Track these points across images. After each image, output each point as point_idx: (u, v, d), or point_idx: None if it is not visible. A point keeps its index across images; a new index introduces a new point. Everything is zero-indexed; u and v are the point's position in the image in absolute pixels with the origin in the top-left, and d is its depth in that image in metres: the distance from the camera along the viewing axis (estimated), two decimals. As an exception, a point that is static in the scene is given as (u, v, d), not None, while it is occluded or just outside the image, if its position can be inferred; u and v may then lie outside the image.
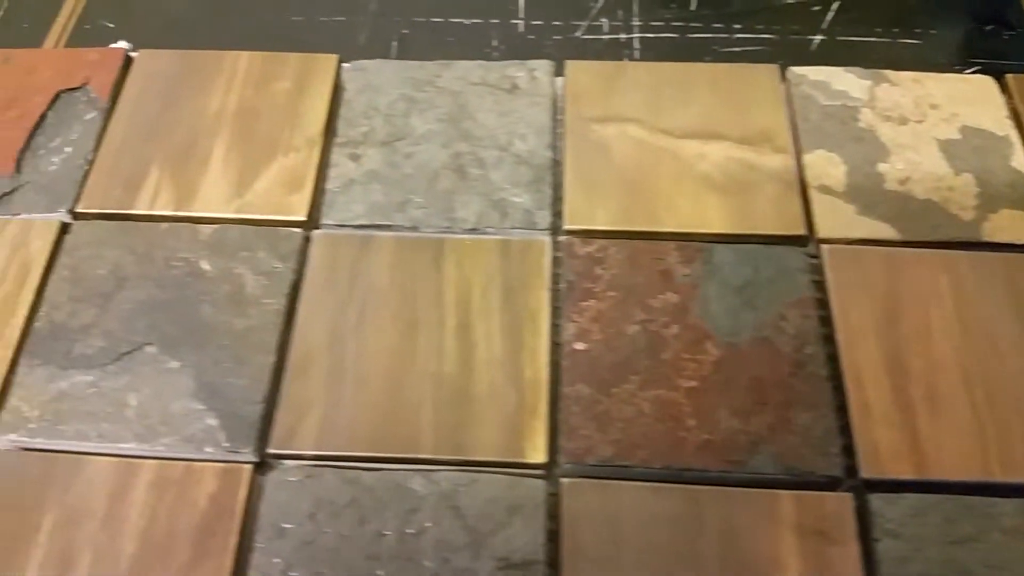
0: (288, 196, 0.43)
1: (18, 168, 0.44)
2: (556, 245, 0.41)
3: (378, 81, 0.47)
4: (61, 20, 0.54)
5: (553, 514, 0.34)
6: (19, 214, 0.43)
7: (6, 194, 0.44)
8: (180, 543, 0.34)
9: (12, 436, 0.37)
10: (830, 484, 0.35)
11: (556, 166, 0.43)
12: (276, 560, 0.33)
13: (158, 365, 0.38)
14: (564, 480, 0.35)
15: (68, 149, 0.45)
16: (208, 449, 0.36)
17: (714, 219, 0.41)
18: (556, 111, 0.45)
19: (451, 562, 0.33)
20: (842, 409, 0.36)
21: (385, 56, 0.50)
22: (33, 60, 0.49)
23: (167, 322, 0.39)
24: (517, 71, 0.47)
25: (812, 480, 0.35)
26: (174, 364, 0.38)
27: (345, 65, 0.48)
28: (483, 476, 0.35)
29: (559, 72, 0.47)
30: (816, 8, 0.53)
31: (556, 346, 0.38)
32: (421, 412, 0.36)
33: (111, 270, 0.41)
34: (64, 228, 0.42)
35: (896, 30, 0.51)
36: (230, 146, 0.44)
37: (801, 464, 0.35)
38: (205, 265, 0.41)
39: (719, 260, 0.40)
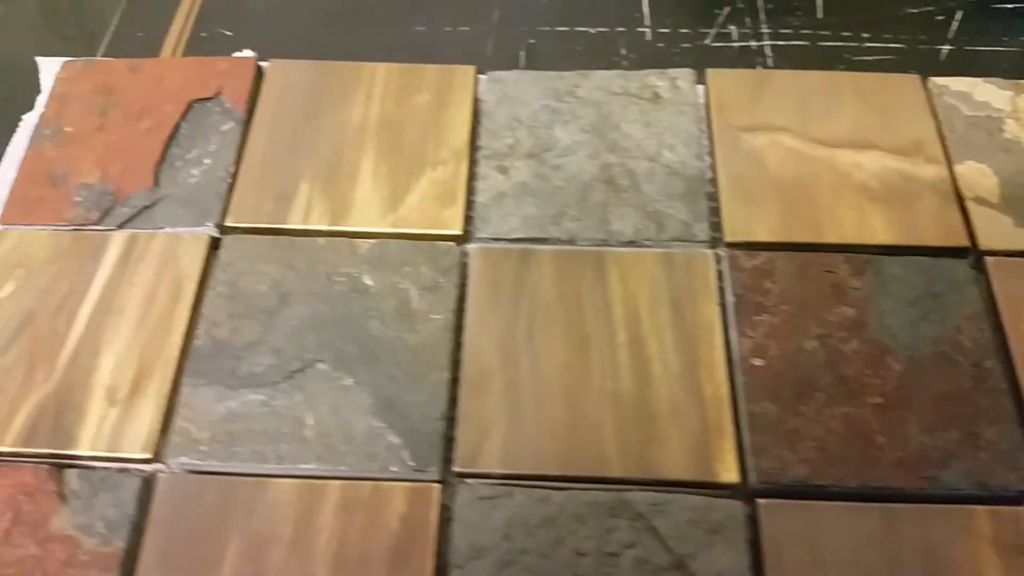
0: (442, 210, 0.42)
1: (156, 181, 0.44)
2: (719, 258, 0.41)
3: (516, 92, 0.46)
4: (176, 28, 0.53)
5: (752, 535, 0.34)
6: (163, 227, 0.42)
7: (146, 207, 0.43)
8: (375, 566, 0.33)
9: (183, 459, 0.36)
10: (1021, 498, 0.35)
11: (709, 177, 0.43)
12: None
13: (332, 382, 0.37)
14: (761, 501, 0.34)
15: (207, 161, 0.44)
16: (393, 468, 0.35)
17: (878, 230, 0.41)
18: (702, 120, 0.45)
19: (657, 584, 0.33)
20: (1025, 423, 0.36)
21: (514, 66, 0.49)
22: (161, 69, 0.48)
23: (336, 338, 0.38)
24: (658, 80, 0.46)
25: (1005, 495, 0.35)
26: (348, 381, 0.37)
27: (480, 76, 0.47)
28: (676, 496, 0.34)
29: (699, 80, 0.46)
30: (940, 18, 0.52)
31: (731, 362, 0.38)
32: (604, 430, 0.36)
33: (271, 286, 0.40)
34: (213, 243, 0.42)
35: (1023, 39, 0.51)
36: (377, 159, 0.44)
37: (992, 479, 0.35)
38: (368, 280, 0.40)
39: (888, 272, 0.40)
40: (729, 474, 0.35)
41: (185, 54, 0.52)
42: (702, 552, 0.33)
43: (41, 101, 0.48)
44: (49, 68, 0.49)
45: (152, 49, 0.52)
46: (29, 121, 0.47)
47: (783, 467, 0.35)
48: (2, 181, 0.45)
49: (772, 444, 0.35)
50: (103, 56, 0.52)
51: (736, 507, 0.34)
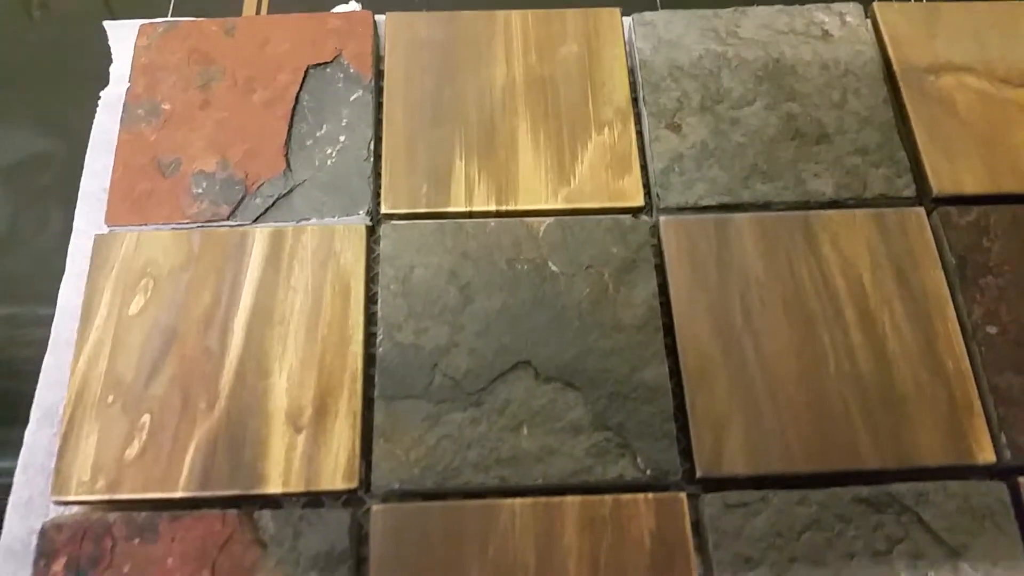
0: (617, 179, 0.38)
1: (288, 165, 0.38)
2: (930, 216, 0.38)
3: (671, 35, 0.41)
4: (251, -22, 0.46)
5: (1019, 515, 0.32)
6: (308, 219, 0.37)
7: (283, 196, 0.37)
8: (633, 584, 0.31)
9: (395, 484, 0.32)
10: None
11: (902, 125, 0.40)
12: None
13: (540, 386, 0.34)
14: (1022, 479, 0.33)
15: (342, 138, 0.38)
16: (628, 477, 0.32)
17: (1088, 175, 0.38)
18: (880, 60, 0.41)
19: (938, 578, 0.31)
20: None
21: (650, 6, 0.44)
22: (262, 30, 0.41)
23: (535, 335, 0.34)
24: (824, 15, 0.42)
25: None
26: (558, 384, 0.34)
27: (624, 19, 0.42)
28: (937, 485, 0.32)
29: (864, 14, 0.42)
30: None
31: (964, 331, 0.35)
32: (851, 418, 0.33)
33: (448, 279, 0.35)
34: (371, 232, 0.37)
35: None
36: (534, 125, 0.39)
37: None
38: (553, 266, 0.36)
39: (1107, 221, 0.37)
40: (986, 454, 0.33)
41: (271, 10, 0.45)
42: (975, 543, 0.31)
43: (119, 73, 0.41)
44: (120, 33, 0.42)
45: (229, 5, 0.45)
46: (111, 98, 0.40)
47: (1037, 441, 0.33)
48: (94, 172, 0.39)
49: (1022, 418, 0.33)
50: (173, 16, 0.45)
51: (999, 488, 0.32)
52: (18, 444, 0.34)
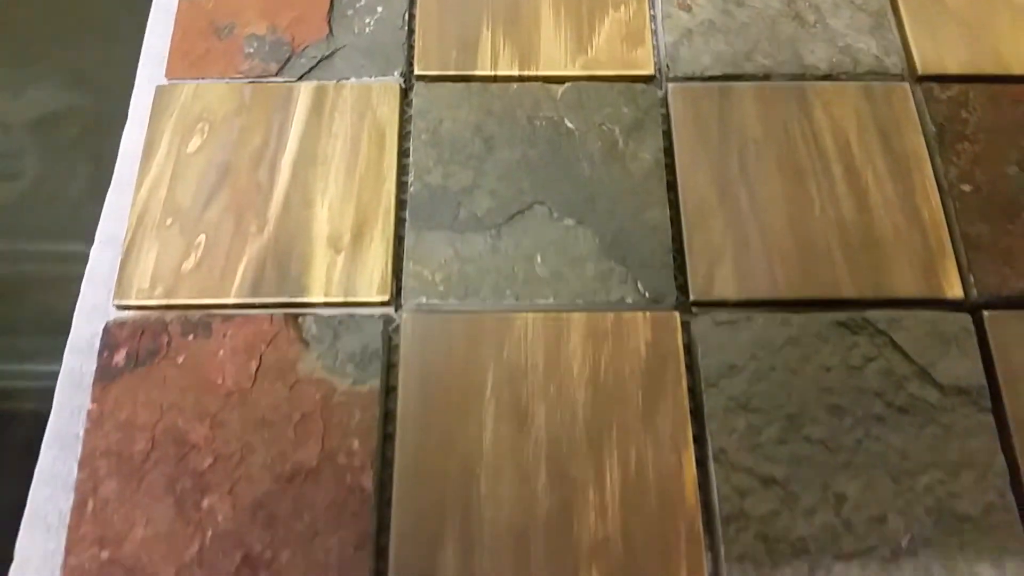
0: (631, 51, 0.41)
1: (331, 30, 0.42)
2: (914, 90, 0.41)
3: (683, -70, 0.45)
4: None
5: (981, 343, 0.36)
6: (348, 78, 0.41)
7: (325, 58, 0.41)
8: (630, 388, 0.34)
9: (422, 299, 0.36)
10: None
11: (892, 10, 0.43)
12: (732, 396, 0.34)
13: (554, 223, 0.37)
14: (986, 313, 0.36)
15: (380, 9, 0.42)
16: (629, 299, 0.36)
17: (1063, 60, 0.42)
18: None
19: (903, 389, 0.34)
20: None
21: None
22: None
23: (550, 180, 0.38)
24: (825, -85, 0.46)
25: None
26: (570, 221, 0.38)
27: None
28: (909, 313, 0.36)
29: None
30: None
31: (940, 188, 0.39)
32: (833, 256, 0.37)
33: (474, 131, 0.39)
34: (405, 92, 0.41)
35: None
36: (555, 1, 0.43)
37: None
38: (569, 123, 0.40)
39: (1079, 99, 0.41)
40: (954, 290, 0.36)
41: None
42: (940, 361, 0.35)
43: (177, -47, 0.45)
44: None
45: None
46: (169, -27, 0.45)
47: (1002, 281, 0.37)
48: (156, 33, 0.43)
49: (989, 261, 0.37)
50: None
51: (965, 319, 0.36)
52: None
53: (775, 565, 0.32)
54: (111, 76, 0.44)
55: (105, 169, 0.40)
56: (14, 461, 0.37)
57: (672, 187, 0.38)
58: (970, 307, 0.36)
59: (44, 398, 0.36)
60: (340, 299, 0.36)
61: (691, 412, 0.34)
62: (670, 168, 0.39)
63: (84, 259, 0.39)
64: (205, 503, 0.33)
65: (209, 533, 0.32)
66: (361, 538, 0.32)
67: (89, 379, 0.35)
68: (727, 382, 0.35)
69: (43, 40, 0.49)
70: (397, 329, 0.36)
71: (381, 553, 0.32)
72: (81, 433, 0.34)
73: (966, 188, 0.38)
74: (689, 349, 0.36)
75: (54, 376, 0.36)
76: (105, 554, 0.32)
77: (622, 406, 0.34)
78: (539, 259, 0.37)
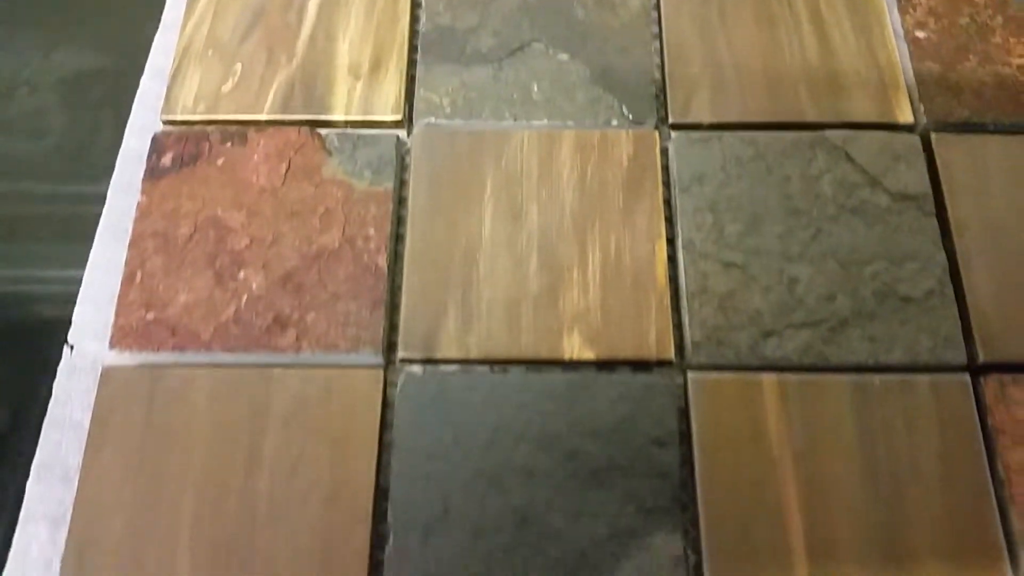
0: (623, -83, 0.46)
1: (354, -101, 0.47)
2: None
3: None
4: None
5: (929, 161, 0.40)
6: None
7: (349, -77, 0.46)
8: (612, 190, 0.39)
9: (431, 119, 0.41)
10: None
11: None
12: (702, 199, 0.39)
13: (550, 58, 0.42)
14: (934, 135, 0.40)
15: None
16: (614, 122, 0.41)
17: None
18: None
19: (856, 194, 0.39)
20: None
21: None
22: None
23: (547, 22, 0.43)
24: None
25: None
26: (564, 56, 0.42)
27: None
28: (864, 133, 0.40)
29: None
30: None
31: (896, 35, 0.43)
32: (798, 89, 0.41)
33: (480, -20, 0.44)
34: (418, -51, 0.46)
35: None
36: None
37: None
38: (566, -25, 0.44)
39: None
40: (905, 116, 0.41)
41: None
42: (889, 172, 0.39)
43: None
44: None
45: None
46: None
47: (949, 110, 0.41)
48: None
49: (938, 94, 0.41)
50: None
51: (914, 140, 0.40)
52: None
53: (732, 329, 0.36)
54: (137, 37, 0.47)
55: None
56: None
57: (658, 41, 0.43)
58: (919, 131, 0.41)
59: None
60: (359, 117, 0.41)
61: (665, 214, 0.39)
62: (656, 12, 0.44)
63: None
64: (241, 275, 0.38)
65: (244, 298, 0.37)
66: (376, 303, 0.37)
67: (137, 186, 0.40)
68: (698, 188, 0.39)
69: (71, 2, 0.53)
70: (408, 144, 0.41)
71: (393, 315, 0.37)
72: (130, 226, 0.39)
73: (920, 35, 0.43)
74: (666, 161, 0.40)
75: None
76: (151, 315, 0.37)
77: (604, 206, 0.39)
78: (535, 87, 0.42)
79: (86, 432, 0.35)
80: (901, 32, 0.43)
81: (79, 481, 0.34)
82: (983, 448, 0.34)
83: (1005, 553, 0.32)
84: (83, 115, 0.46)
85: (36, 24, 0.51)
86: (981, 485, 0.33)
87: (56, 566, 0.33)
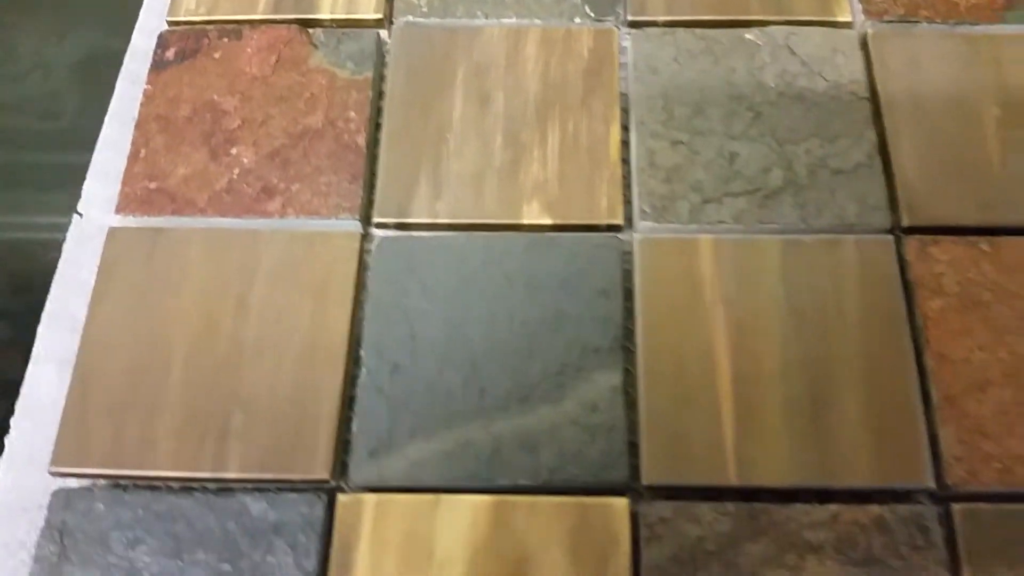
0: None
1: None
2: None
3: None
4: None
5: (865, 55, 0.43)
6: None
7: None
8: (572, 81, 0.43)
9: (409, 18, 0.45)
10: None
11: None
12: (654, 88, 0.42)
13: (519, -35, 0.46)
14: (870, 30, 0.44)
15: None
16: (577, 20, 0.44)
17: None
18: None
19: (795, 83, 0.42)
20: None
21: None
22: None
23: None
24: None
25: None
26: (532, -38, 0.46)
27: None
28: (805, 29, 0.44)
29: None
30: None
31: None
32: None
33: None
34: None
35: None
36: None
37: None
38: None
39: None
40: (845, 15, 0.44)
41: None
42: (828, 64, 0.43)
43: None
44: None
45: None
46: None
47: (885, 9, 0.44)
48: None
49: (878, -3, 0.45)
50: None
51: (852, 35, 0.44)
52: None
53: (676, 198, 0.40)
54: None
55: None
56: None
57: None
58: (857, 28, 0.44)
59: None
60: (343, 16, 0.45)
61: (621, 102, 0.42)
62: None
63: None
64: (233, 151, 0.42)
65: (236, 171, 0.41)
66: (354, 176, 0.41)
67: (143, 79, 0.44)
68: (651, 78, 0.43)
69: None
70: (388, 41, 0.45)
71: (370, 186, 0.41)
72: (136, 113, 0.43)
73: (861, -53, 0.46)
74: (623, 55, 0.44)
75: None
76: (153, 185, 0.41)
77: (565, 93, 0.42)
78: (506, -9, 0.45)
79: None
80: (842, -54, 0.46)
81: (84, 325, 0.38)
82: (903, 298, 0.37)
83: (918, 387, 0.36)
84: (96, 97, 0.48)
85: (51, 7, 0.56)
86: (899, 329, 0.37)
87: (61, 405, 0.37)
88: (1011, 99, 0.42)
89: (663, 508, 0.34)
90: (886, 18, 0.44)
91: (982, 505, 0.34)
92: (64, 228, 0.42)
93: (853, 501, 0.34)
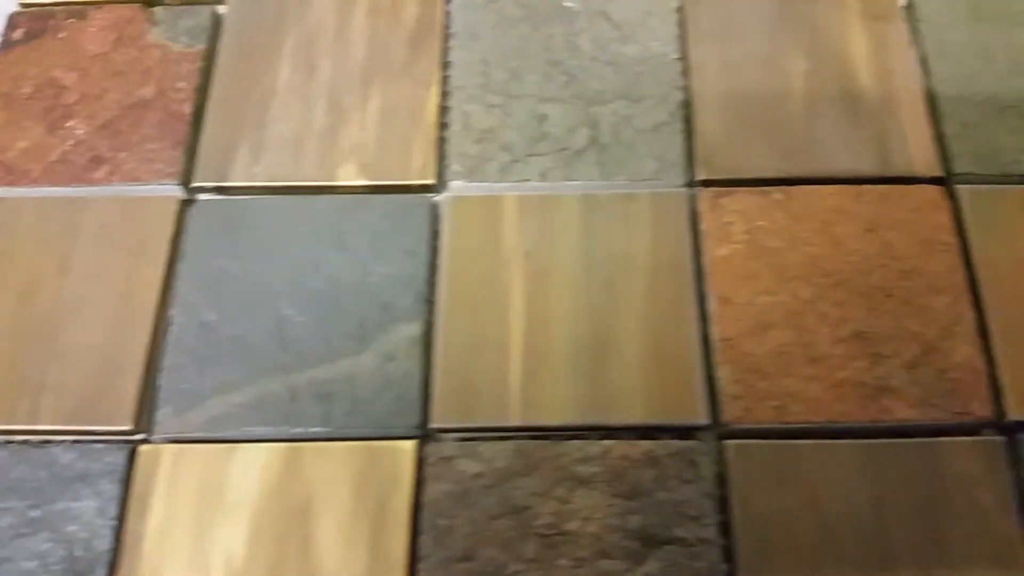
0: None
1: None
2: None
3: None
4: None
5: (680, 18, 0.45)
6: None
7: None
8: (397, 47, 0.44)
9: (246, -5, 0.47)
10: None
11: None
12: (473, 54, 0.44)
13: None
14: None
15: None
16: (406, -9, 0.46)
17: None
18: None
19: (606, 48, 0.44)
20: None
21: None
22: None
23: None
24: None
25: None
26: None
27: None
28: (624, -3, 0.45)
29: None
30: None
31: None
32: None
33: None
34: None
35: None
36: None
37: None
38: None
39: None
40: (664, -18, 0.46)
41: None
42: (642, 29, 0.44)
43: None
44: None
45: None
46: None
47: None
48: None
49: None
50: None
51: (670, 2, 0.45)
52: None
53: (486, 159, 0.41)
54: None
55: None
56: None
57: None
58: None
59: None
60: (184, -6, 0.47)
61: (443, 69, 0.44)
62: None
63: None
64: (69, 123, 0.43)
65: (70, 143, 0.43)
66: (177, 143, 0.42)
67: (-6, 59, 0.46)
68: (473, 44, 0.44)
69: None
70: (220, 17, 0.46)
71: (193, 153, 0.42)
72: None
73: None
74: (448, 22, 0.45)
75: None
76: (-8, 157, 0.43)
77: (390, 59, 0.44)
78: (340, -35, 0.47)
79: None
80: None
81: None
82: (691, 248, 0.38)
83: (698, 330, 0.37)
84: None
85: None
86: (684, 276, 0.38)
87: None
88: (818, 51, 0.43)
89: (447, 448, 0.35)
90: (702, -13, 0.45)
91: (756, 441, 0.35)
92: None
93: (629, 437, 0.35)
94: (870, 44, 0.43)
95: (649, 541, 0.33)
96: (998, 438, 0.35)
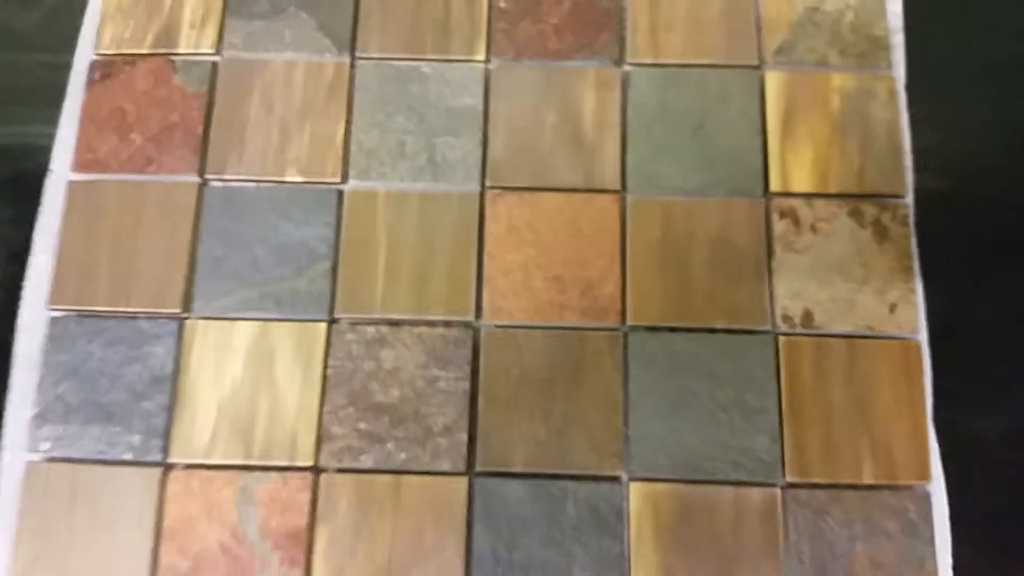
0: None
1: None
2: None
3: None
4: None
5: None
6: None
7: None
8: (320, 95, 0.75)
9: (232, 52, 0.76)
10: None
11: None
12: (368, 96, 0.74)
13: None
14: (491, 67, 0.75)
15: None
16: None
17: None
18: None
19: (443, 99, 0.74)
20: None
21: None
22: None
23: (298, -4, 0.78)
24: None
25: None
26: None
27: None
28: (455, 64, 0.75)
29: None
30: None
31: None
32: None
33: (263, -31, 0.78)
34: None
35: None
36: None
37: None
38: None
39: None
40: (480, 56, 0.75)
41: None
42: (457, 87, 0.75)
43: None
44: None
45: None
46: None
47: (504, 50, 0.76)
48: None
49: None
50: None
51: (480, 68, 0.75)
52: None
53: (370, 167, 0.73)
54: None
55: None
56: None
57: None
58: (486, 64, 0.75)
59: None
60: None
61: (348, 106, 0.75)
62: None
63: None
64: (131, 135, 0.74)
65: (133, 148, 0.74)
66: (194, 151, 0.74)
67: None
68: (366, 94, 0.75)
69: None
70: (216, 65, 0.76)
71: (203, 157, 0.74)
72: None
73: None
74: (352, 79, 0.75)
75: None
76: None
77: (314, 103, 0.74)
78: None
79: None
80: None
81: None
82: (476, 241, 0.71)
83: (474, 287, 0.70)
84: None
85: None
86: (468, 256, 0.71)
87: None
88: (566, 110, 0.74)
89: (344, 328, 0.70)
90: (504, 57, 0.75)
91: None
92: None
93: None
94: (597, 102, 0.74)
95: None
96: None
